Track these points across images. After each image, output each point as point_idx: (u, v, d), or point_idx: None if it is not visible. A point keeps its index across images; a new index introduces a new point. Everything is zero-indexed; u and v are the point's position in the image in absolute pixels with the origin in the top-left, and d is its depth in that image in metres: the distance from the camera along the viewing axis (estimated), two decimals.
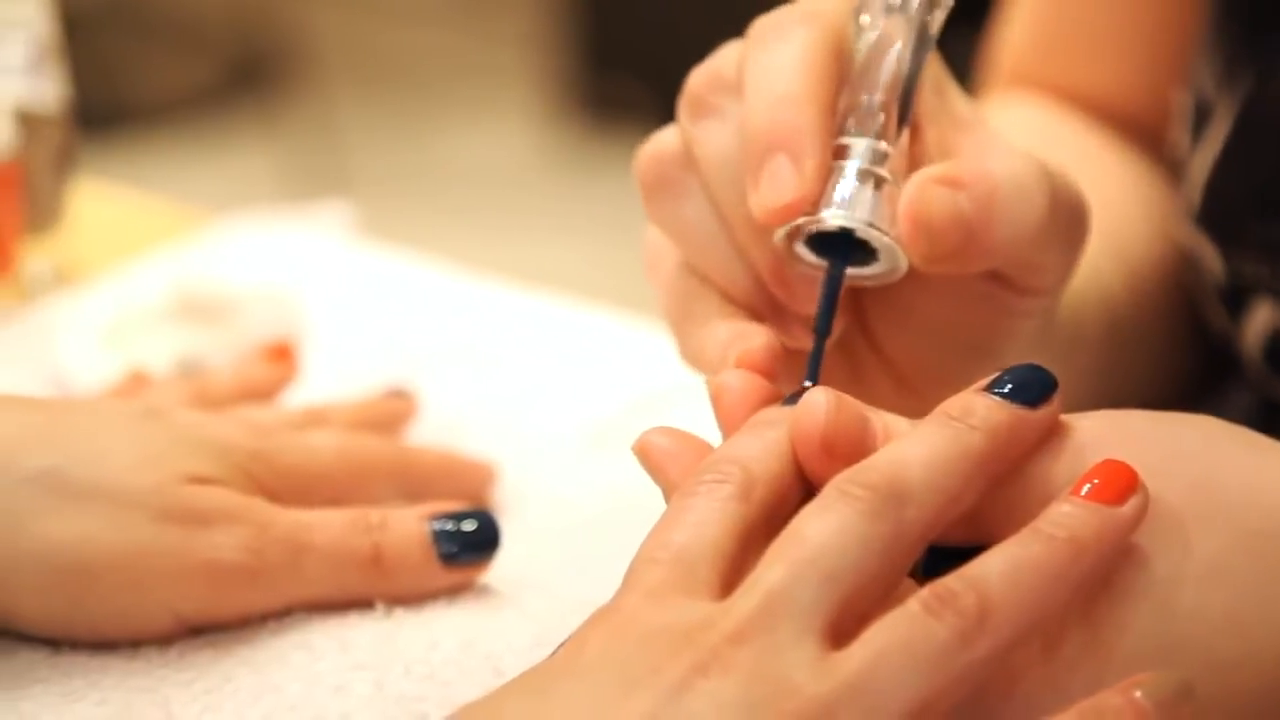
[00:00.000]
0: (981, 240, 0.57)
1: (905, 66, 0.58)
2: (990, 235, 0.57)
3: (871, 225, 0.57)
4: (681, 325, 0.62)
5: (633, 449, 0.55)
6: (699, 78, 0.60)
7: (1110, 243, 0.75)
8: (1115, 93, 0.83)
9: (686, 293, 0.61)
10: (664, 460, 0.54)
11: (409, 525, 0.64)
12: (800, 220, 0.57)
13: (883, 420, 0.53)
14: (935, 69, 0.60)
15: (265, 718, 0.58)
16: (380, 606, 0.63)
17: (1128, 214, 0.79)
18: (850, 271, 0.58)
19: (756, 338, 0.58)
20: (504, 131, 3.06)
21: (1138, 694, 0.48)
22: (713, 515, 0.50)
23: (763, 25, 0.59)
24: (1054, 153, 0.61)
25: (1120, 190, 0.80)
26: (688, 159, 0.60)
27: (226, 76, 3.09)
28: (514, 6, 3.32)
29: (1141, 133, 0.83)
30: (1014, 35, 0.86)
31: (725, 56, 0.60)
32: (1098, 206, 0.62)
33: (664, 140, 0.61)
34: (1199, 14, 0.78)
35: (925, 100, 0.59)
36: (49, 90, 0.89)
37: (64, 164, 0.91)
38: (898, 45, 0.58)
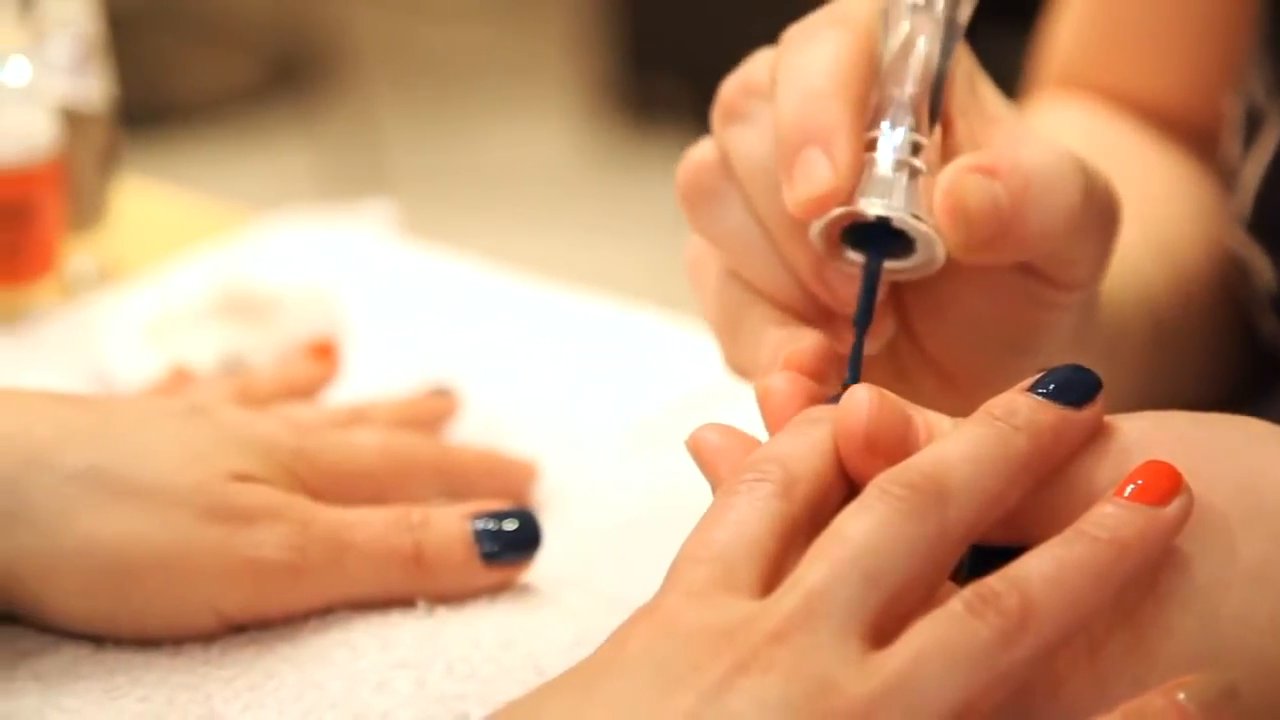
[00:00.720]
0: (1016, 229, 0.57)
1: (934, 59, 0.58)
2: (1025, 224, 0.57)
3: (908, 213, 0.57)
4: (728, 334, 0.62)
5: (685, 444, 0.55)
6: (730, 85, 0.60)
7: (1156, 243, 0.75)
8: (1165, 95, 0.83)
9: (732, 301, 0.61)
10: (715, 457, 0.54)
11: (451, 524, 0.64)
12: (836, 212, 0.57)
13: (925, 418, 0.53)
14: (967, 63, 0.60)
15: (307, 715, 0.58)
16: (422, 605, 0.63)
17: (1174, 215, 0.79)
18: (888, 264, 0.58)
19: (805, 339, 0.58)
20: (544, 130, 3.06)
21: (1181, 696, 0.48)
22: (753, 514, 0.50)
23: (794, 31, 0.60)
24: (1101, 154, 0.61)
25: (1167, 192, 0.80)
26: (724, 167, 0.60)
27: (267, 75, 3.10)
28: (554, 5, 3.32)
29: (1192, 135, 0.82)
30: (1063, 37, 0.86)
31: (756, 63, 0.60)
32: (1144, 207, 0.62)
33: (700, 151, 0.61)
34: (1250, 16, 0.78)
35: (957, 94, 0.59)
36: (94, 89, 0.90)
37: (108, 162, 0.92)
38: (926, 38, 0.58)
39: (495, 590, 0.64)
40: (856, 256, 0.58)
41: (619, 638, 0.48)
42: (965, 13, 0.59)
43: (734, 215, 0.60)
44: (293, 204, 0.99)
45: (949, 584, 0.50)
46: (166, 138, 2.85)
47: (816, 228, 0.57)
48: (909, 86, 0.58)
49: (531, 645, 0.62)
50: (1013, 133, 0.59)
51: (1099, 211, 0.59)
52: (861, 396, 0.52)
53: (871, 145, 0.57)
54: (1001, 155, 0.57)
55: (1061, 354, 0.60)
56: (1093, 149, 0.60)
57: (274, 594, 0.61)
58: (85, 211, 0.91)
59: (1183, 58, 0.82)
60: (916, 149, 0.57)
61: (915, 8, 0.59)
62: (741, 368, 0.62)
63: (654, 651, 0.47)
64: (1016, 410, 0.51)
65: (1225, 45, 0.80)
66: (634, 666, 0.47)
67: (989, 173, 0.57)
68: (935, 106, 0.58)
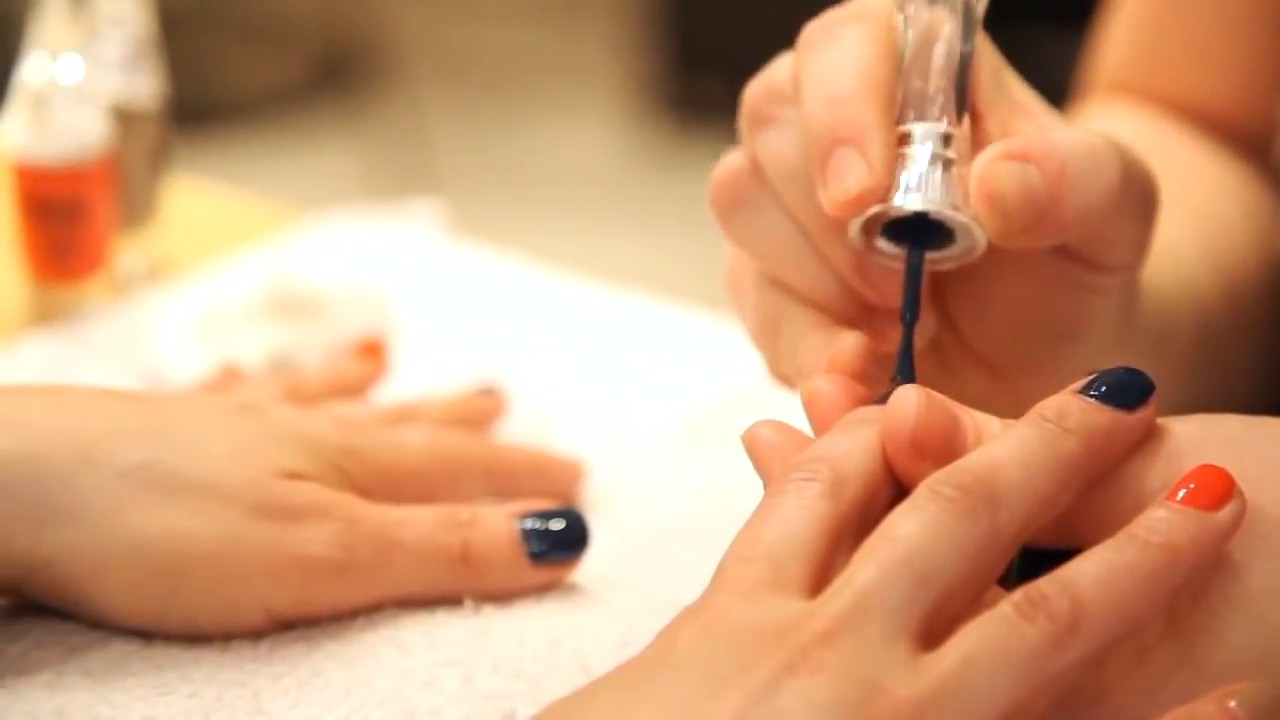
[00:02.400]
0: (1054, 213, 0.57)
1: (956, 49, 0.58)
2: (1063, 207, 0.57)
3: (945, 206, 0.57)
4: (769, 343, 0.62)
5: (740, 439, 0.55)
6: (754, 91, 0.60)
7: (1204, 245, 0.74)
8: (1216, 100, 0.82)
9: (771, 308, 0.61)
10: (768, 453, 0.54)
11: (498, 523, 0.64)
12: (874, 209, 0.57)
13: (974, 420, 0.53)
14: (993, 58, 0.60)
15: (354, 712, 0.59)
16: (469, 603, 0.63)
17: (1224, 216, 0.78)
18: (929, 255, 0.58)
19: (846, 341, 0.58)
20: (590, 130, 3.06)
21: (1232, 704, 0.47)
22: (801, 513, 0.50)
23: (812, 30, 0.59)
24: (1150, 155, 0.60)
25: (1217, 193, 0.79)
26: (756, 173, 0.60)
27: (316, 74, 3.11)
28: (600, 5, 3.32)
29: (1244, 139, 0.82)
30: (1114, 42, 0.86)
31: (778, 67, 0.60)
32: (1193, 208, 0.62)
33: (731, 161, 0.61)
34: None
35: (985, 88, 0.59)
36: (145, 87, 0.90)
37: (159, 160, 0.92)
38: (946, 29, 0.58)
39: (542, 589, 0.64)
40: (896, 250, 0.58)
41: (666, 637, 0.48)
42: (983, 1, 0.59)
43: (769, 220, 0.60)
44: (340, 203, 0.99)
45: (997, 587, 0.50)
46: (216, 136, 2.86)
47: (855, 226, 0.57)
48: (934, 78, 0.58)
49: (578, 644, 0.62)
50: (1043, 121, 0.59)
51: (1137, 193, 0.59)
52: (909, 397, 0.52)
53: (902, 140, 0.57)
54: (1034, 140, 0.57)
55: (1105, 341, 0.60)
56: (1141, 150, 0.60)
57: (322, 591, 0.62)
58: (136, 209, 0.91)
59: (1234, 62, 0.82)
60: (947, 140, 0.57)
61: None
62: (784, 376, 0.62)
63: (702, 651, 0.47)
64: (1068, 412, 0.51)
65: (1277, 49, 0.80)
66: (682, 666, 0.47)
67: (1022, 158, 0.57)
68: (962, 95, 0.58)
